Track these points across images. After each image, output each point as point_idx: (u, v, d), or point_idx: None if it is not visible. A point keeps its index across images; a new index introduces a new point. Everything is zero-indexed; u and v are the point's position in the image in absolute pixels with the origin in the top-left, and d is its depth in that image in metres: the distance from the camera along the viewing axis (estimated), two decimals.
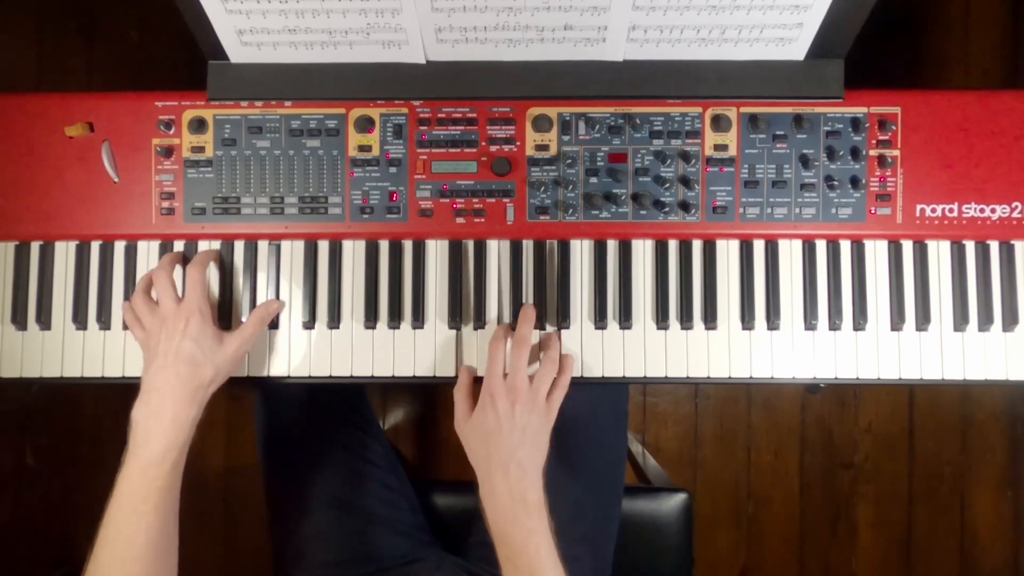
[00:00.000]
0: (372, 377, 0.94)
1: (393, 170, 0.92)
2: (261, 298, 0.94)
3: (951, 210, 0.92)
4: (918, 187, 0.92)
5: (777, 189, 0.92)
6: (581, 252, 0.94)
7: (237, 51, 0.88)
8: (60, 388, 1.73)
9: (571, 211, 0.92)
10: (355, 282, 0.94)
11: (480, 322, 0.93)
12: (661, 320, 0.92)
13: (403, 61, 0.89)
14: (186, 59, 1.72)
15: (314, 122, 0.92)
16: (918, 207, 0.92)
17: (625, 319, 0.92)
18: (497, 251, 0.94)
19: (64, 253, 0.95)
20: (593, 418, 1.05)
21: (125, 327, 0.92)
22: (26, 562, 1.74)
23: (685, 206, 0.92)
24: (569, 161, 0.92)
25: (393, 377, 0.94)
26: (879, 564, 1.75)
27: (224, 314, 0.93)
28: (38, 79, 1.77)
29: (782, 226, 0.92)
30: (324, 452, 1.05)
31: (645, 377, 0.93)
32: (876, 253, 0.93)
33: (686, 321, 0.92)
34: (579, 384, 0.91)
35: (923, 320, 0.92)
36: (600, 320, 0.92)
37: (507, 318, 0.93)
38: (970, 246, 0.93)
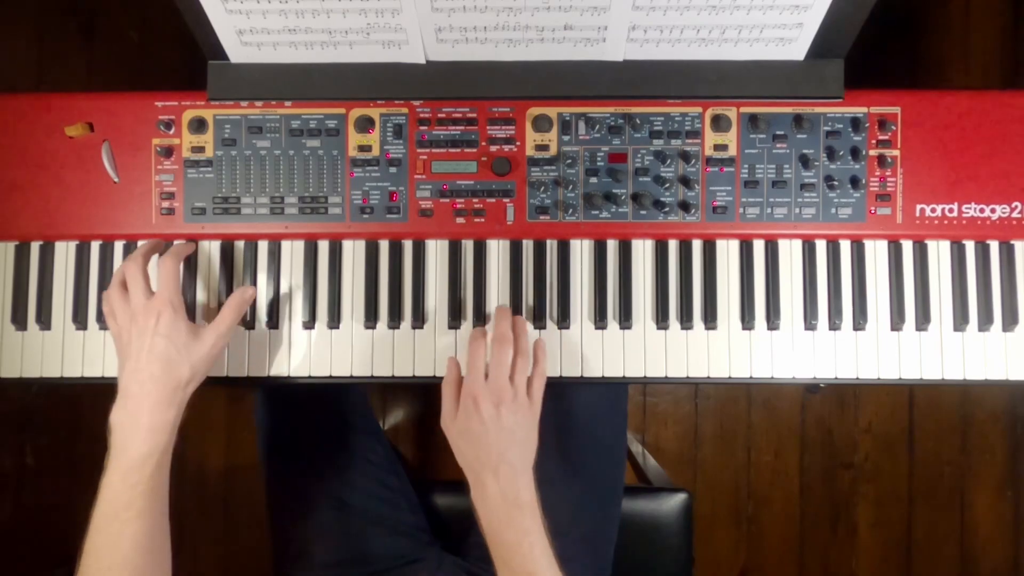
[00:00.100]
0: (372, 377, 0.93)
1: (393, 170, 0.92)
2: (262, 298, 0.94)
3: (951, 210, 0.92)
4: (918, 187, 0.92)
5: (777, 189, 0.92)
6: (581, 252, 0.94)
7: (237, 51, 0.88)
8: (60, 388, 1.73)
9: (571, 211, 0.92)
10: (355, 282, 0.94)
11: (480, 322, 0.93)
12: (661, 320, 0.92)
13: (403, 61, 0.89)
14: (186, 59, 1.72)
15: (314, 122, 0.92)
16: (918, 207, 0.92)
17: (625, 319, 0.92)
18: (497, 251, 0.94)
19: (64, 253, 0.95)
20: (593, 418, 1.05)
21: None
22: (26, 562, 1.75)
23: (685, 206, 0.92)
24: (569, 161, 0.92)
25: (393, 377, 0.94)
26: (879, 564, 1.75)
27: None
28: (38, 79, 1.77)
29: (782, 226, 0.92)
30: (324, 452, 1.05)
31: (645, 377, 0.93)
32: (876, 253, 0.93)
33: (686, 321, 0.92)
34: (579, 384, 0.91)
35: (923, 320, 0.92)
36: (600, 320, 0.92)
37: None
38: (970, 246, 0.93)
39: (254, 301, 0.93)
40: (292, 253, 0.94)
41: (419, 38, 0.86)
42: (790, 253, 0.93)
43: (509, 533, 0.80)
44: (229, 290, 0.93)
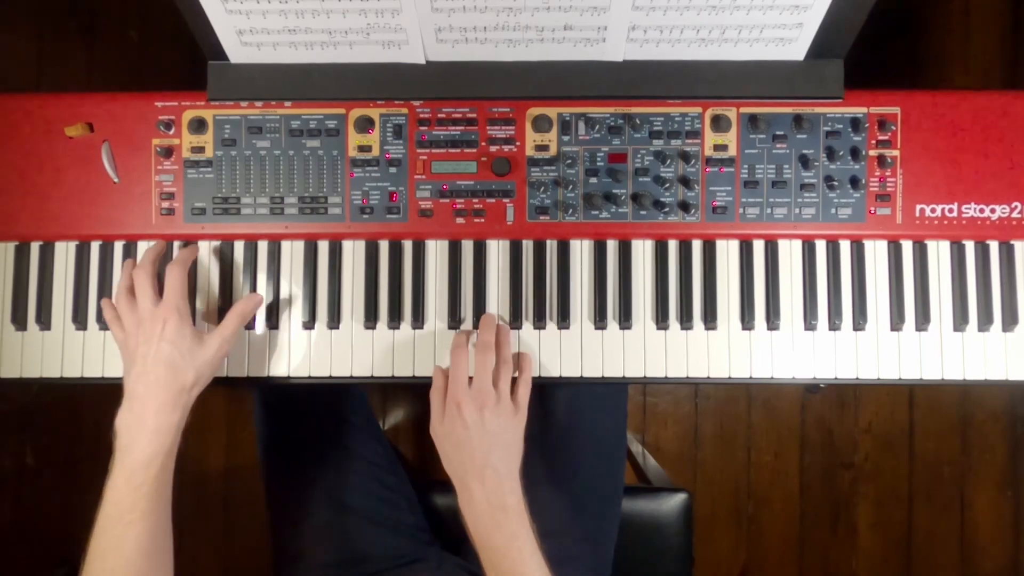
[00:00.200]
0: (372, 377, 0.93)
1: (393, 170, 0.92)
2: None
3: (951, 210, 0.92)
4: (918, 187, 0.92)
5: (777, 189, 0.92)
6: (581, 252, 0.94)
7: (237, 51, 0.88)
8: (60, 388, 1.73)
9: (571, 211, 0.92)
10: (355, 282, 0.94)
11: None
12: (661, 320, 0.92)
13: (403, 61, 0.89)
14: (186, 59, 1.72)
15: (314, 122, 0.92)
16: (918, 207, 0.92)
17: (625, 319, 0.92)
18: (497, 251, 0.94)
19: (64, 253, 0.95)
20: (593, 418, 1.05)
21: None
22: (26, 562, 1.75)
23: (685, 206, 0.92)
24: (569, 161, 0.92)
25: (393, 377, 0.94)
26: (879, 564, 1.75)
27: (223, 314, 0.93)
28: (38, 79, 1.77)
29: (782, 226, 0.92)
30: (324, 452, 1.05)
31: (645, 377, 0.93)
32: (876, 253, 0.93)
33: (686, 321, 0.92)
34: (579, 384, 0.91)
35: (923, 320, 0.92)
36: (600, 320, 0.92)
37: (507, 318, 0.93)
38: (970, 246, 0.93)
39: None
40: (292, 253, 0.94)
41: (419, 38, 0.86)
42: (790, 253, 0.93)
43: (496, 537, 0.81)
44: (228, 290, 0.93)
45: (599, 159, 0.92)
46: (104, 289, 0.94)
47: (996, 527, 1.75)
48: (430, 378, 0.92)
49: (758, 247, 0.93)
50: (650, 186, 0.92)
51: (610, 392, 1.06)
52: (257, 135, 0.92)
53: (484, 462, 0.82)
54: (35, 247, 0.95)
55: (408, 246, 0.94)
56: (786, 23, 0.84)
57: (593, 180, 0.92)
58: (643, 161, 0.92)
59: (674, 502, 1.16)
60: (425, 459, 1.74)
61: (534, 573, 0.79)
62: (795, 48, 0.87)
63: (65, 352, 0.94)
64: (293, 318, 0.94)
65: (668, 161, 0.91)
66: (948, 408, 1.75)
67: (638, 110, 0.91)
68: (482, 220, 0.92)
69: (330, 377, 0.93)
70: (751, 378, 0.92)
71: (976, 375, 0.92)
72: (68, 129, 0.92)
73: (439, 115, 0.92)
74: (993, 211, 0.92)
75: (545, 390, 1.03)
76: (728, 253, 0.93)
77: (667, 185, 0.92)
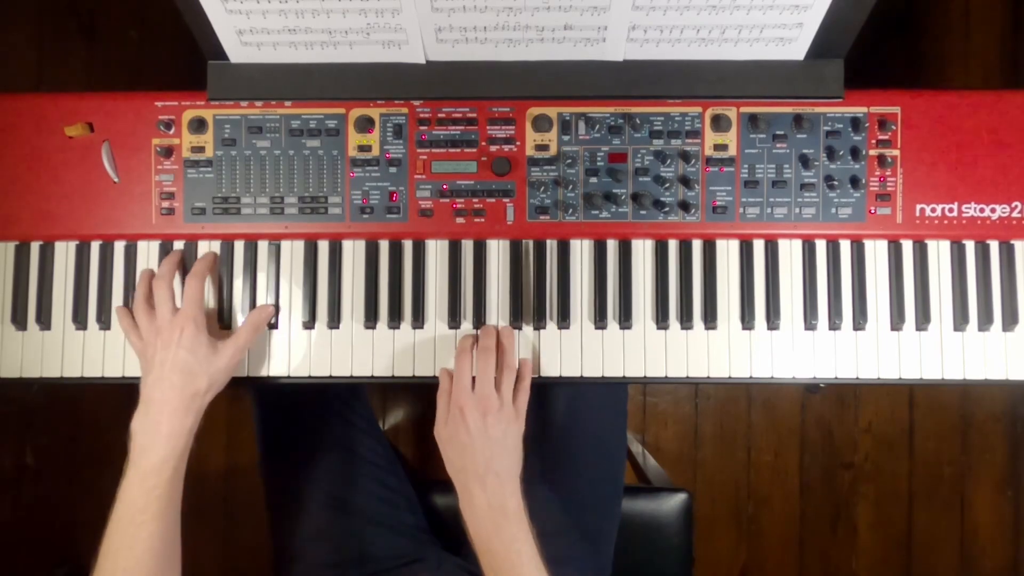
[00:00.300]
0: (372, 377, 0.94)
1: (393, 170, 0.92)
2: (261, 299, 0.94)
3: (951, 210, 0.92)
4: (918, 187, 0.92)
5: (777, 189, 0.92)
6: (581, 252, 0.94)
7: (237, 51, 0.88)
8: (60, 388, 1.73)
9: (571, 211, 0.92)
10: (355, 282, 0.94)
11: (480, 322, 0.93)
12: (661, 320, 0.92)
13: (403, 61, 0.89)
14: (186, 59, 1.71)
15: (314, 122, 0.92)
16: (918, 207, 0.92)
17: (625, 319, 0.92)
18: (497, 251, 0.94)
19: (64, 253, 0.95)
20: (593, 418, 1.05)
21: None
22: (26, 562, 1.74)
23: (685, 206, 0.92)
24: (569, 161, 0.92)
25: (393, 377, 0.94)
26: (879, 564, 1.75)
27: (224, 314, 0.93)
28: (38, 79, 1.77)
29: (782, 226, 0.92)
30: (324, 452, 1.05)
31: (645, 377, 0.93)
32: (876, 253, 0.93)
33: (686, 321, 0.92)
34: (579, 384, 0.91)
35: (923, 320, 0.92)
36: (600, 320, 0.92)
37: (507, 318, 0.93)
38: (970, 246, 0.93)
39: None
40: (292, 253, 0.94)
41: (419, 38, 0.86)
42: (790, 253, 0.93)
43: (497, 541, 0.82)
44: (229, 290, 0.93)
45: (599, 159, 0.92)
46: (104, 289, 0.94)
47: (996, 527, 1.75)
48: (430, 378, 0.92)
49: (758, 247, 0.93)
50: (650, 186, 0.92)
51: (610, 392, 1.06)
52: (257, 135, 0.92)
53: (486, 467, 0.83)
54: (35, 247, 0.95)
55: (408, 246, 0.94)
56: (786, 23, 0.84)
57: (593, 180, 0.92)
58: (643, 161, 0.92)
59: (674, 502, 1.16)
60: (425, 459, 1.74)
61: None
62: (795, 48, 0.87)
63: (65, 352, 0.94)
64: (293, 318, 0.94)
65: (668, 161, 0.91)
66: (948, 408, 1.75)
67: (638, 110, 0.91)
68: (482, 220, 0.92)
69: (330, 377, 0.93)
70: (751, 378, 0.92)
71: (976, 375, 0.92)
72: (68, 129, 0.92)
73: (439, 115, 0.92)
74: (993, 211, 0.92)
75: (545, 390, 1.03)
76: (728, 253, 0.93)
77: (667, 185, 0.92)
